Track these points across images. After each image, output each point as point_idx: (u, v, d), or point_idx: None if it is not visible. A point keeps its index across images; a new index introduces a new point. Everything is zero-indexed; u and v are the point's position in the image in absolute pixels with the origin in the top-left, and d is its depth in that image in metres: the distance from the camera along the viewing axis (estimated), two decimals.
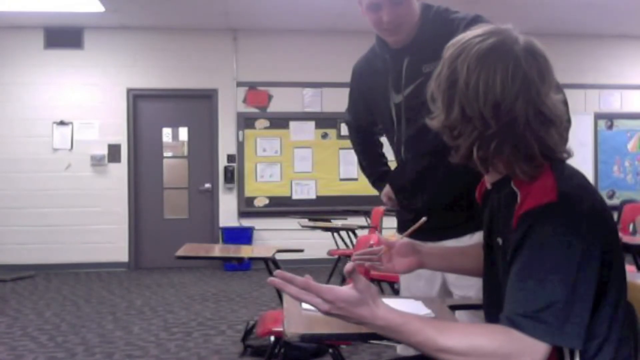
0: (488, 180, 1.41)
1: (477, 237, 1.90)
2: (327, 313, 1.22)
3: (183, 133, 7.93)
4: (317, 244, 6.67)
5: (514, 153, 1.25)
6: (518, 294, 1.17)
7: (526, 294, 1.15)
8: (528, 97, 1.23)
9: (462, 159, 1.32)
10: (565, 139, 1.30)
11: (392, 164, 2.23)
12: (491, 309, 1.44)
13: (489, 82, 1.22)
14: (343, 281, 5.36)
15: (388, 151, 2.30)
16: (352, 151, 2.47)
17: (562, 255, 1.15)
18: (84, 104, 7.57)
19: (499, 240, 1.35)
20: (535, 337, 1.13)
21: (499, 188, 1.36)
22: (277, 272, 1.23)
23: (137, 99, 7.71)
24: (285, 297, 1.61)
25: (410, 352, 1.93)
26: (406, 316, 1.22)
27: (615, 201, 8.02)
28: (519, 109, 1.22)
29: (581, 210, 1.18)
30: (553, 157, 1.27)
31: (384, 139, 2.31)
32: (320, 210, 7.44)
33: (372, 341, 3.73)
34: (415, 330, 1.19)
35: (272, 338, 3.05)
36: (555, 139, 1.26)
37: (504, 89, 1.22)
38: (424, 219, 1.63)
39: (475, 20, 1.85)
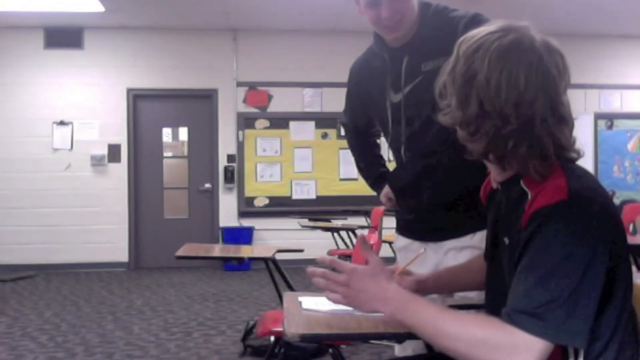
0: (495, 179, 1.39)
1: (477, 237, 1.89)
2: (344, 295, 1.38)
3: (183, 133, 7.93)
4: (317, 244, 6.65)
5: (530, 151, 1.23)
6: (519, 291, 1.16)
7: (527, 291, 1.15)
8: (548, 95, 1.22)
9: (478, 156, 1.30)
10: (574, 139, 1.29)
11: (390, 165, 2.22)
12: (494, 309, 1.43)
13: (512, 78, 1.21)
14: None
15: (386, 152, 2.28)
16: None
17: (569, 253, 1.14)
18: (84, 104, 7.57)
19: (505, 240, 1.34)
20: (531, 334, 1.12)
21: (506, 187, 1.35)
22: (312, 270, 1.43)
23: (137, 99, 7.71)
24: (285, 297, 1.61)
25: (409, 352, 1.93)
26: (414, 295, 1.35)
27: (615, 201, 8.00)
28: (538, 106, 1.21)
29: (591, 210, 1.18)
30: (564, 156, 1.26)
31: (381, 140, 2.29)
32: (320, 210, 7.44)
33: (372, 341, 3.74)
34: (419, 308, 1.27)
35: (272, 338, 3.04)
36: (567, 138, 1.26)
37: (527, 86, 1.21)
38: (421, 250, 1.73)
39: (475, 19, 1.84)
